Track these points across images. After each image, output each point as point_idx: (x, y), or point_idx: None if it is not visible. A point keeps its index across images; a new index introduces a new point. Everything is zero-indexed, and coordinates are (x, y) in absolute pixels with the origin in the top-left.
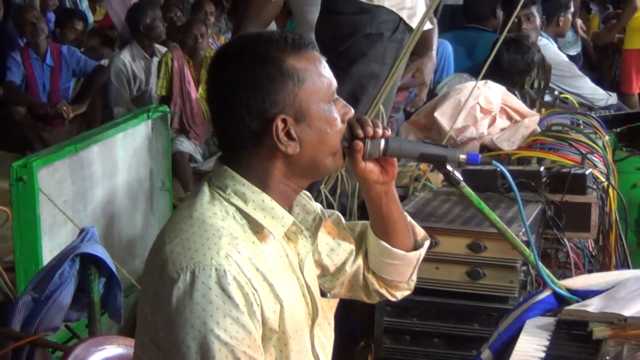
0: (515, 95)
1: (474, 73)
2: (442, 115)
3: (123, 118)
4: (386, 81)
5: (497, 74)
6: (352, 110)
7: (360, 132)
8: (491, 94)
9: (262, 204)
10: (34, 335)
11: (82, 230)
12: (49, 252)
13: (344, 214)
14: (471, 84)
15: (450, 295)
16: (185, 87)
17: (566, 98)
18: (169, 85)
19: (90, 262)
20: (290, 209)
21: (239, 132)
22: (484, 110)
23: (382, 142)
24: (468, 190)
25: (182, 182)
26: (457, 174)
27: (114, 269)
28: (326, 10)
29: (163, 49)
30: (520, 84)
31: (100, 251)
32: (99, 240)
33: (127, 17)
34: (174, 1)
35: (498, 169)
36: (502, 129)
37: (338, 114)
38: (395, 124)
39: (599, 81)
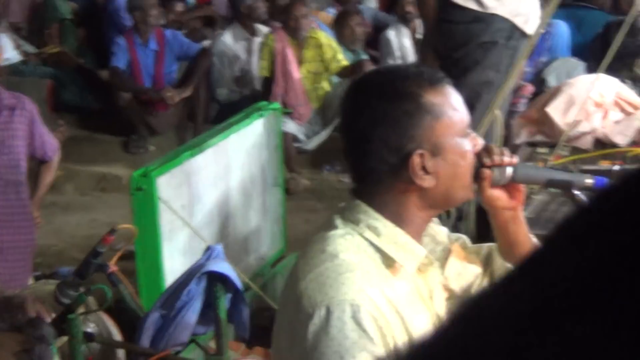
0: (627, 83)
1: (581, 55)
2: (554, 110)
3: (236, 118)
4: (502, 87)
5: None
6: (481, 142)
7: (487, 161)
8: (604, 87)
9: (394, 237)
10: (162, 351)
11: (208, 248)
12: (169, 257)
13: (460, 219)
14: (583, 78)
15: None
16: (288, 67)
17: None
18: (272, 66)
19: (216, 279)
20: (421, 240)
21: (376, 166)
22: (596, 104)
23: (510, 169)
24: None
25: (287, 162)
26: (583, 197)
27: (239, 284)
28: (441, 20)
29: (265, 29)
30: (630, 66)
31: (226, 268)
32: (211, 238)
33: None
34: None
35: (614, 169)
36: (616, 122)
37: (469, 146)
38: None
39: None
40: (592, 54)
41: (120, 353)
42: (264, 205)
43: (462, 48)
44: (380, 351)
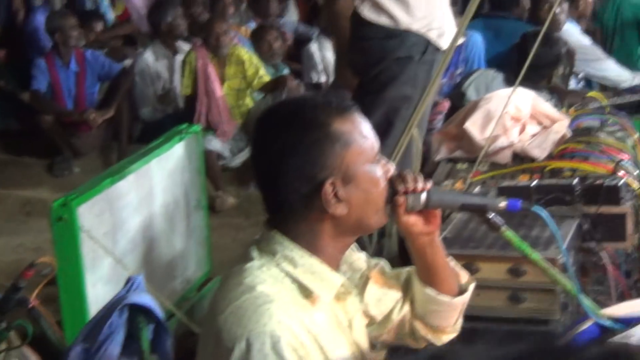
0: (543, 94)
1: (499, 66)
2: (472, 126)
3: (156, 143)
4: (419, 103)
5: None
6: (393, 167)
7: (401, 188)
8: (520, 101)
9: (311, 267)
10: None
11: (128, 280)
12: (92, 286)
13: (383, 236)
14: (500, 92)
15: (492, 320)
16: (210, 85)
17: (588, 81)
18: (194, 85)
19: (138, 311)
20: (338, 268)
21: (288, 196)
22: (513, 118)
23: (423, 195)
24: (509, 234)
25: (212, 180)
26: (498, 219)
27: (161, 315)
28: (356, 37)
29: (186, 46)
30: (548, 77)
31: (147, 300)
32: (135, 265)
33: (148, 16)
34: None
35: (532, 186)
36: (533, 135)
37: (381, 172)
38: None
39: None
40: (509, 64)
41: None
42: (188, 228)
43: (378, 64)
44: None
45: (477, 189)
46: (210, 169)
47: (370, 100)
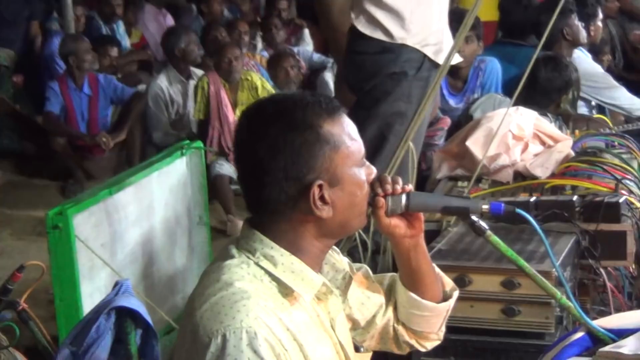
0: (548, 117)
1: (509, 91)
2: (474, 144)
3: (157, 157)
4: (414, 119)
5: (532, 91)
6: (375, 171)
7: (380, 191)
8: (523, 120)
9: (291, 266)
10: None
11: (116, 284)
12: (88, 297)
13: (377, 252)
14: (502, 111)
15: (486, 333)
16: (223, 110)
17: (602, 108)
18: (207, 109)
19: (126, 315)
20: (319, 269)
21: (273, 196)
22: (516, 137)
23: (404, 197)
24: (494, 238)
25: (223, 205)
26: (483, 223)
27: (149, 320)
28: (350, 51)
29: (199, 72)
30: (557, 102)
31: (135, 303)
32: (134, 277)
33: (162, 42)
34: (218, 20)
35: (531, 201)
36: (535, 155)
37: (365, 176)
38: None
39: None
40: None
41: None
42: (189, 245)
43: (372, 79)
44: None
45: None
46: (222, 193)
47: (364, 115)
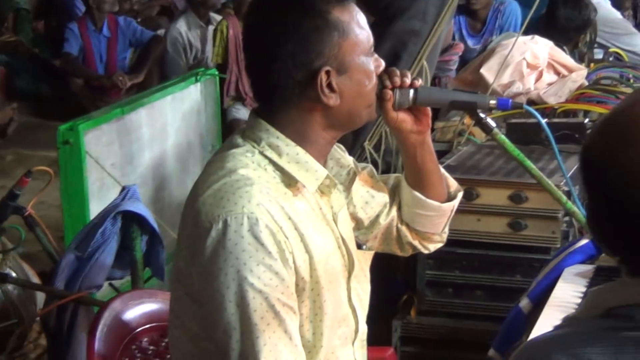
0: (565, 51)
1: (528, 30)
2: (488, 71)
3: (171, 82)
4: (428, 38)
5: (552, 29)
6: (383, 63)
7: (388, 83)
8: (538, 48)
9: (296, 157)
10: (77, 293)
11: (123, 188)
12: (96, 214)
13: (388, 172)
14: (518, 39)
15: (492, 247)
16: (241, 54)
17: (618, 54)
18: (225, 53)
19: (132, 220)
20: (324, 162)
21: (281, 83)
22: (530, 65)
23: (412, 91)
24: (502, 137)
25: None
26: (490, 121)
27: (155, 226)
28: None
29: (219, 18)
30: (575, 41)
31: (141, 209)
32: (144, 200)
33: None
34: None
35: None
36: (549, 84)
37: (373, 66)
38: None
39: None
40: (537, 32)
41: (40, 296)
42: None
43: None
44: (279, 265)
45: None
46: None
47: (378, 32)
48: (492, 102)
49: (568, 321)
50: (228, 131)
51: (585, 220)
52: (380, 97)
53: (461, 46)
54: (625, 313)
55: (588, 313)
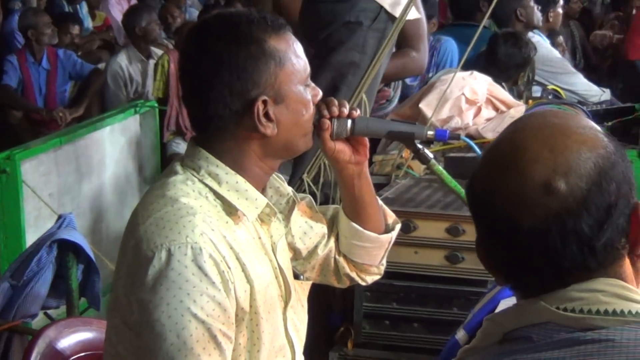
0: (504, 87)
1: (467, 67)
2: (427, 106)
3: (110, 113)
4: (368, 71)
5: (492, 66)
6: (321, 93)
7: (326, 113)
8: (477, 84)
9: (235, 185)
10: (11, 322)
11: (59, 217)
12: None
13: (326, 204)
14: (457, 75)
15: (429, 279)
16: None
17: (556, 91)
18: (166, 88)
19: (68, 249)
20: (263, 191)
21: (218, 112)
22: (469, 100)
23: (349, 121)
24: (439, 167)
25: None
26: (428, 152)
27: (92, 255)
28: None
29: (159, 52)
30: (514, 78)
31: (77, 237)
32: (81, 230)
33: (123, 20)
34: (174, 1)
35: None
36: (488, 119)
37: (310, 96)
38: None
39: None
40: (477, 67)
41: None
42: None
43: (326, 28)
44: (222, 296)
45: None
46: None
47: (317, 64)
48: (430, 132)
49: (466, 352)
50: (168, 165)
51: (476, 250)
52: (318, 127)
53: (388, 93)
54: (524, 334)
55: (485, 342)
